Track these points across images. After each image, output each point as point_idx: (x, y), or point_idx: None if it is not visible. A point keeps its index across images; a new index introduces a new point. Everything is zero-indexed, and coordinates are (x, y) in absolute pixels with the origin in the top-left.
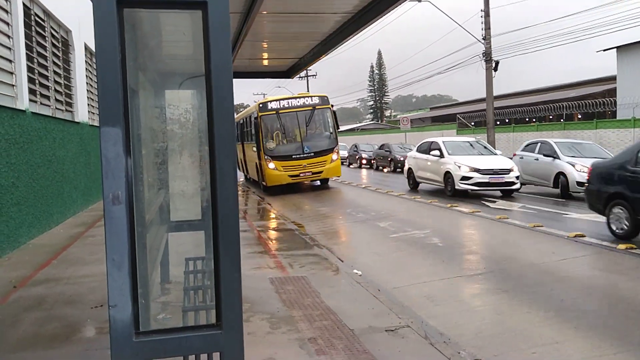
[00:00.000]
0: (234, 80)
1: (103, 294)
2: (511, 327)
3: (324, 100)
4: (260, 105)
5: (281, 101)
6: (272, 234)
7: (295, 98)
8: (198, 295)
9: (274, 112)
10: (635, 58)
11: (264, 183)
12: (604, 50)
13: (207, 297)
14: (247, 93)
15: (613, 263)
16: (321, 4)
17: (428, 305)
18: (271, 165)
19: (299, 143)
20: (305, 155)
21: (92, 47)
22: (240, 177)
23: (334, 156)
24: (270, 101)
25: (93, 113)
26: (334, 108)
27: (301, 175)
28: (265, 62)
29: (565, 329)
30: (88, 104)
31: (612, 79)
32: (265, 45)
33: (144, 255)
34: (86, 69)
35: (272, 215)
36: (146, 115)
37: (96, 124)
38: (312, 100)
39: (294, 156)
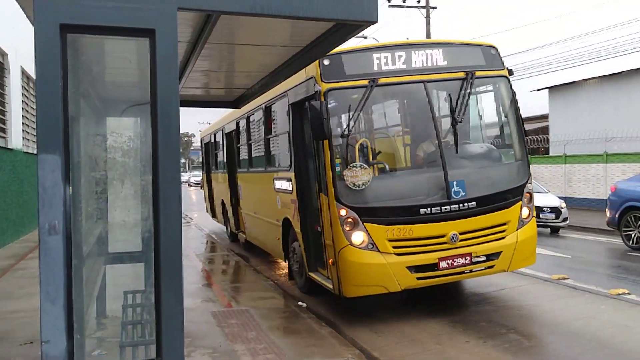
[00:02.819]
0: (180, 108)
1: (33, 330)
2: (451, 356)
3: (492, 57)
4: (324, 65)
5: (381, 52)
6: None
7: (415, 46)
8: (137, 330)
9: (367, 79)
10: (566, 98)
11: (329, 285)
12: (537, 90)
13: (146, 331)
14: (192, 122)
15: (548, 293)
16: (271, 37)
17: (372, 336)
18: (358, 236)
19: (437, 173)
20: (454, 206)
21: (29, 71)
22: (197, 219)
23: (525, 210)
24: (355, 51)
25: (28, 140)
26: None
27: (442, 265)
28: (213, 92)
29: (503, 355)
30: (23, 130)
31: (545, 117)
32: (213, 75)
33: (80, 288)
34: (22, 93)
35: None
36: (87, 142)
37: (31, 151)
38: (461, 56)
39: (424, 210)
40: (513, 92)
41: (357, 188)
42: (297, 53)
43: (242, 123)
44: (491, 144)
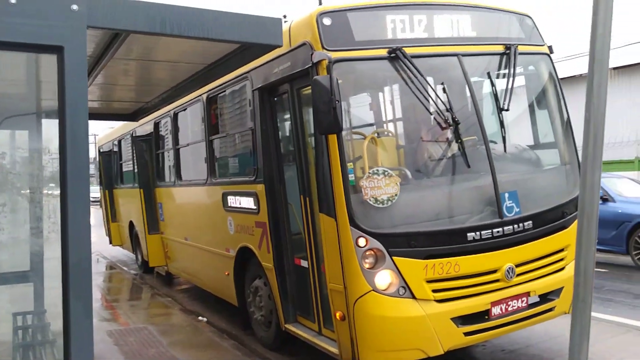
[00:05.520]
0: None
1: None
2: None
3: (529, 29)
4: (325, 26)
5: (398, 12)
6: None
7: (440, 7)
8: (32, 352)
9: (385, 48)
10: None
11: (332, 350)
12: None
13: (43, 353)
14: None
15: None
16: (176, 54)
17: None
18: (384, 277)
19: (483, 181)
20: (508, 228)
21: None
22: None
23: None
24: (363, 9)
25: None
26: None
27: (495, 313)
28: (110, 104)
29: None
30: None
31: None
32: (112, 88)
33: None
34: None
35: None
36: None
37: None
38: (495, 24)
39: (472, 235)
40: (557, 76)
41: (380, 205)
42: (201, 70)
43: (165, 122)
44: (534, 142)
